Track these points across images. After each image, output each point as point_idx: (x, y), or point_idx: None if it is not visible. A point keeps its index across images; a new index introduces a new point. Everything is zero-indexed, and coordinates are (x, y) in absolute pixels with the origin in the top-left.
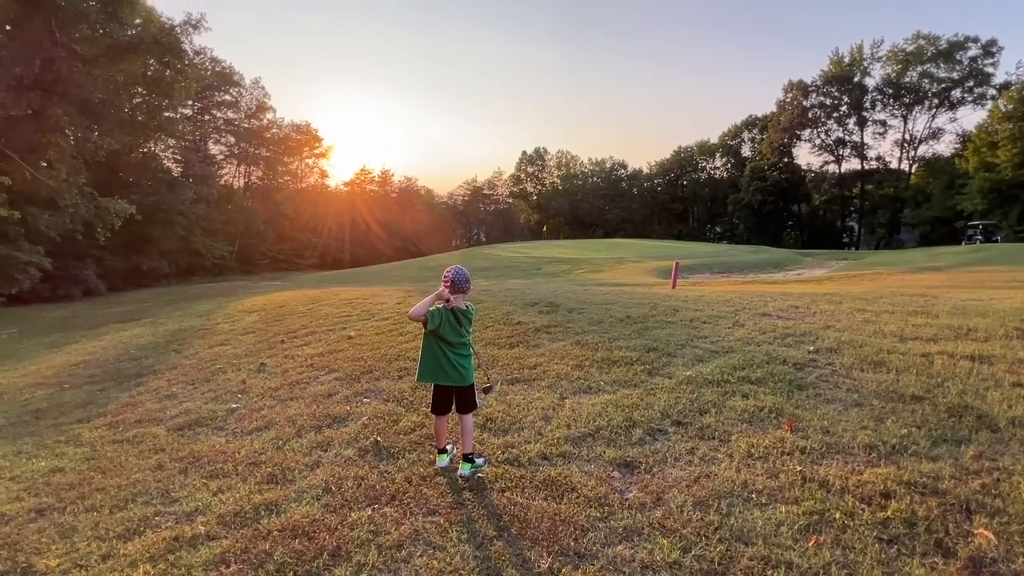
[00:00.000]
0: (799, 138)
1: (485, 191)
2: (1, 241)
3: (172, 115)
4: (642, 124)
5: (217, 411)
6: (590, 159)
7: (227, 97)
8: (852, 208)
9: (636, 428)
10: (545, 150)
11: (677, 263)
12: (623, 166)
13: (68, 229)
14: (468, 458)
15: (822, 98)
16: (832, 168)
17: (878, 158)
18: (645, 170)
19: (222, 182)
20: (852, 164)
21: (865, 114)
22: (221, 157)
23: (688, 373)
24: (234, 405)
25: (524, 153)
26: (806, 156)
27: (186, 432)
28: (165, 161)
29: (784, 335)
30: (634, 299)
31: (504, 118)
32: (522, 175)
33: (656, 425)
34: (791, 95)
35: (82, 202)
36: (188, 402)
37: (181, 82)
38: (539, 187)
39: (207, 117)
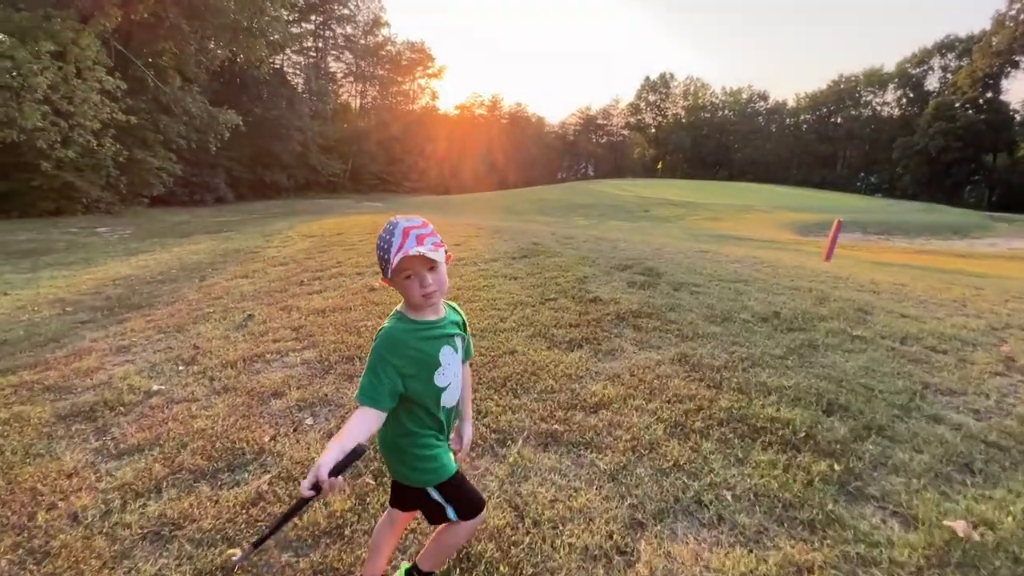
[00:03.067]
0: (1017, 66)
1: (599, 120)
2: (139, 147)
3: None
4: (795, 45)
5: (126, 397)
6: (724, 88)
7: (345, 11)
8: None
9: None
10: (672, 76)
11: (839, 222)
12: (763, 97)
13: (197, 138)
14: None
15: None
16: None
17: None
18: (791, 103)
19: (340, 100)
20: None
21: None
22: (341, 75)
23: (944, 505)
24: (156, 387)
25: (647, 79)
26: (1021, 91)
27: (58, 428)
28: (288, 76)
29: None
30: (779, 278)
31: (630, 39)
32: (642, 104)
33: None
34: (1019, 6)
35: (196, 112)
36: (122, 366)
37: None
38: (660, 118)
39: (327, 33)
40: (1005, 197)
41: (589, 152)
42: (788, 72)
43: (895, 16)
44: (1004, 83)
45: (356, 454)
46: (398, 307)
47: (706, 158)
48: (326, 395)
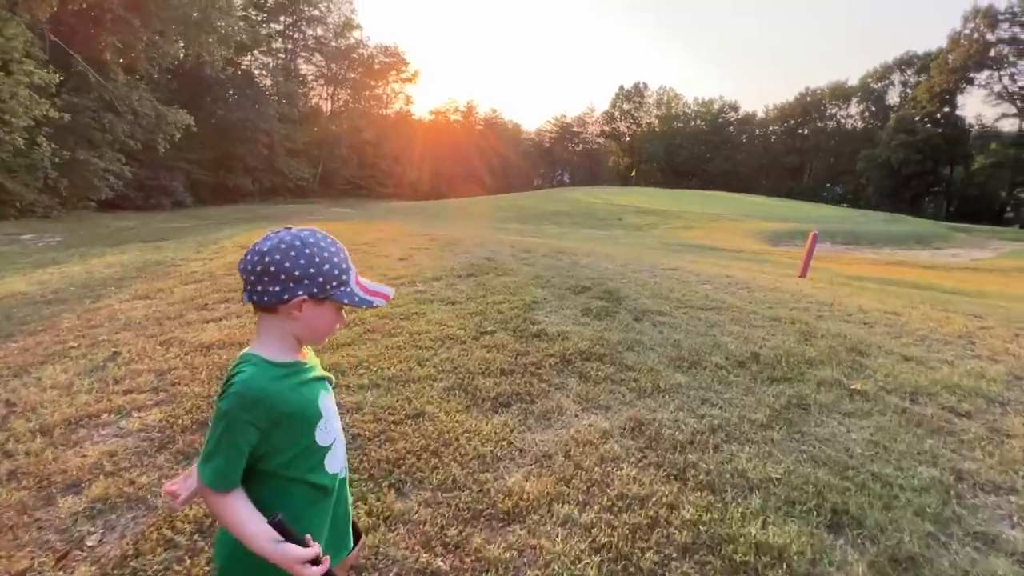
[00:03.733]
0: (971, 83)
1: (575, 128)
2: (84, 147)
3: (227, 14)
4: (762, 58)
5: None
6: (696, 99)
7: (315, 12)
8: None
9: None
10: (645, 85)
11: (815, 235)
12: (734, 108)
13: (149, 138)
14: None
15: (1016, 29)
16: (1010, 124)
17: None
18: (760, 114)
19: (312, 103)
20: None
21: None
22: (312, 78)
23: None
24: None
25: (621, 88)
26: (976, 107)
27: None
28: (256, 78)
29: None
30: (756, 304)
31: (604, 46)
32: (616, 112)
33: None
34: (972, 25)
35: (144, 110)
36: None
37: None
38: (634, 127)
39: (297, 34)
40: (962, 208)
41: (565, 160)
42: (757, 84)
43: (858, 32)
44: (960, 99)
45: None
46: (251, 349)
47: (679, 167)
48: (140, 489)
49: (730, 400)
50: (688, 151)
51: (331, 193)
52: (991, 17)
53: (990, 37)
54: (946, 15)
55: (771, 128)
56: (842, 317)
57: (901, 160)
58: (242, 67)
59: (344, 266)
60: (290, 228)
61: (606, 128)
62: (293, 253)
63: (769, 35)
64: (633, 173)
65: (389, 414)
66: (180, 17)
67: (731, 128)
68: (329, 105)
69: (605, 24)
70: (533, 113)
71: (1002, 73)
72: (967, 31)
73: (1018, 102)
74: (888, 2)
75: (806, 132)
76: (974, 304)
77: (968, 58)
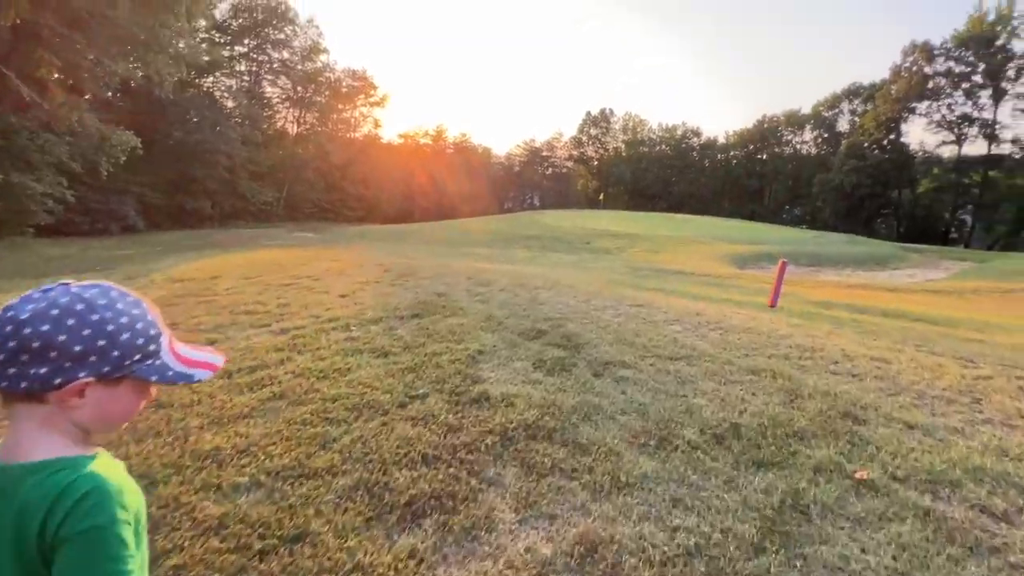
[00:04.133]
0: (913, 112)
1: (544, 153)
2: (19, 169)
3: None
4: (723, 88)
5: None
6: (660, 125)
7: (281, 36)
8: (967, 200)
9: None
10: (611, 111)
11: (784, 263)
12: (696, 134)
13: (92, 161)
14: None
15: (951, 63)
16: (949, 151)
17: (1015, 140)
18: (721, 140)
19: (278, 126)
20: (977, 146)
21: (1005, 86)
22: (277, 100)
23: None
24: None
25: (588, 114)
26: (918, 134)
27: None
28: (219, 100)
29: None
30: (731, 350)
31: (571, 75)
32: (584, 138)
33: None
34: (911, 59)
35: (85, 131)
36: None
37: None
38: (601, 152)
39: (262, 57)
40: (911, 229)
41: (535, 183)
42: (720, 111)
43: (810, 62)
44: (904, 127)
45: None
46: (35, 458)
47: (646, 190)
48: None
49: (709, 501)
50: (654, 175)
51: (297, 217)
52: (928, 51)
53: (927, 70)
54: (890, 47)
55: (732, 153)
56: (827, 367)
57: (854, 184)
58: (204, 88)
59: (152, 332)
60: (68, 284)
61: (574, 152)
62: (72, 321)
63: (729, 63)
64: (601, 197)
65: (259, 536)
66: (127, 37)
67: (694, 153)
68: (295, 128)
69: (573, 50)
70: (503, 138)
71: (940, 104)
72: (907, 64)
73: (955, 130)
74: (837, 34)
75: (764, 157)
76: (954, 339)
77: (909, 89)
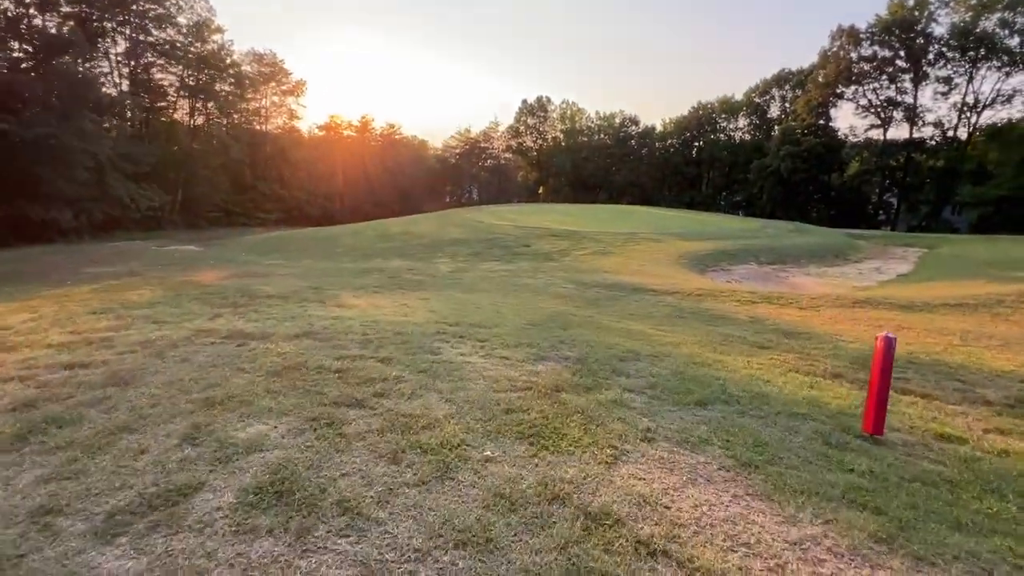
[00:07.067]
0: (841, 97)
1: (481, 144)
2: None
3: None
4: (659, 76)
5: None
6: (598, 113)
7: (159, 10)
8: (892, 182)
9: None
10: (548, 100)
11: (887, 339)
12: (634, 122)
13: None
14: None
15: (876, 48)
16: (876, 134)
17: (936, 123)
18: (659, 128)
19: (166, 117)
20: (900, 130)
21: (927, 69)
22: (171, 88)
23: None
24: None
25: (524, 102)
26: (847, 118)
27: None
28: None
29: None
30: None
31: (505, 62)
32: (521, 127)
33: None
34: (838, 44)
35: None
36: None
37: None
38: (540, 142)
39: (144, 37)
40: (841, 212)
41: (472, 176)
42: (656, 99)
43: (740, 49)
44: (834, 111)
45: None
46: None
47: (587, 180)
48: None
49: None
50: (594, 164)
51: (196, 223)
52: (854, 36)
53: (854, 55)
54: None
55: (669, 141)
56: None
57: (790, 169)
58: (53, 71)
59: None
60: None
61: (512, 143)
62: None
63: (665, 53)
64: (541, 190)
65: None
66: None
67: (633, 141)
68: (191, 119)
69: (502, 39)
70: (437, 129)
71: (866, 88)
72: (835, 48)
73: (881, 114)
74: (764, 21)
75: (701, 144)
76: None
77: (838, 74)
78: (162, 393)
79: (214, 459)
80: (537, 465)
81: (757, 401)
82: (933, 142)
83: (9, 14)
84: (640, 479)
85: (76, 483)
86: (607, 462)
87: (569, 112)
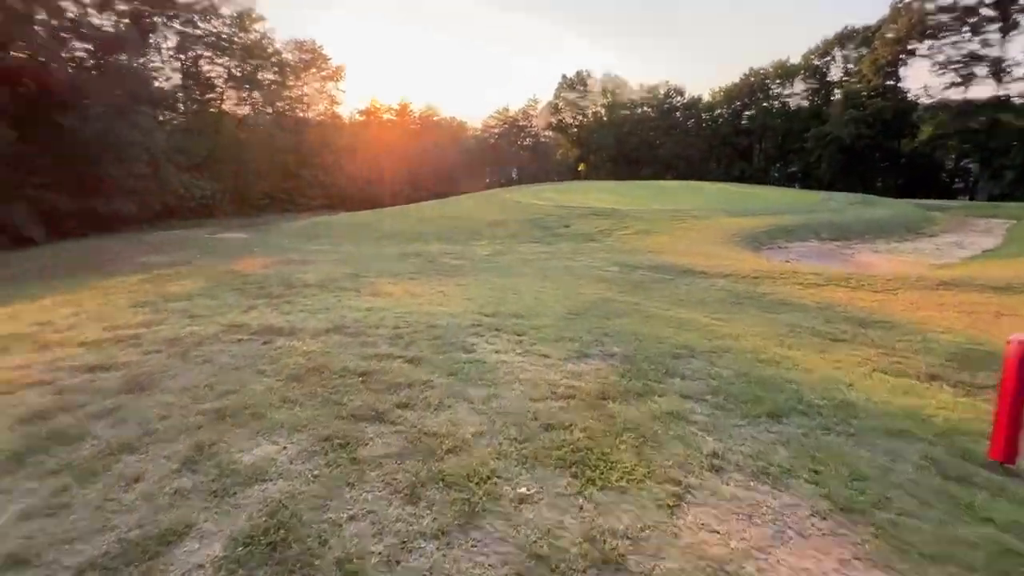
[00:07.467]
0: (914, 54)
1: (520, 123)
2: None
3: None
4: (708, 40)
5: None
6: (641, 85)
7: (205, 1)
8: (971, 145)
9: None
10: (588, 74)
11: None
12: (679, 92)
13: None
14: None
15: None
16: (954, 93)
17: None
18: (706, 97)
19: (215, 109)
20: (983, 88)
21: (1017, 17)
22: (220, 80)
23: None
24: None
25: (564, 77)
26: (921, 77)
27: None
28: (125, 80)
29: None
30: None
31: (543, 38)
32: (561, 103)
33: None
34: None
35: None
36: None
37: None
38: (580, 117)
39: (192, 30)
40: (910, 182)
41: (512, 156)
42: (702, 68)
43: (796, 10)
44: (903, 71)
45: None
46: None
47: (630, 155)
48: None
49: None
50: (638, 138)
51: (246, 210)
52: None
53: (930, 5)
54: None
55: (718, 111)
56: None
57: (854, 136)
58: (111, 68)
59: None
60: None
61: (552, 120)
62: None
63: (708, 18)
64: (581, 167)
65: None
66: None
67: (678, 113)
68: (239, 110)
69: (540, 14)
70: (475, 109)
71: (944, 42)
72: (907, 0)
73: (961, 71)
74: None
75: (753, 113)
76: None
77: (911, 28)
78: (175, 402)
79: (210, 492)
80: (582, 508)
81: (842, 412)
82: (1022, 100)
83: (71, 15)
84: (712, 531)
85: (56, 523)
86: (669, 505)
87: (610, 85)
